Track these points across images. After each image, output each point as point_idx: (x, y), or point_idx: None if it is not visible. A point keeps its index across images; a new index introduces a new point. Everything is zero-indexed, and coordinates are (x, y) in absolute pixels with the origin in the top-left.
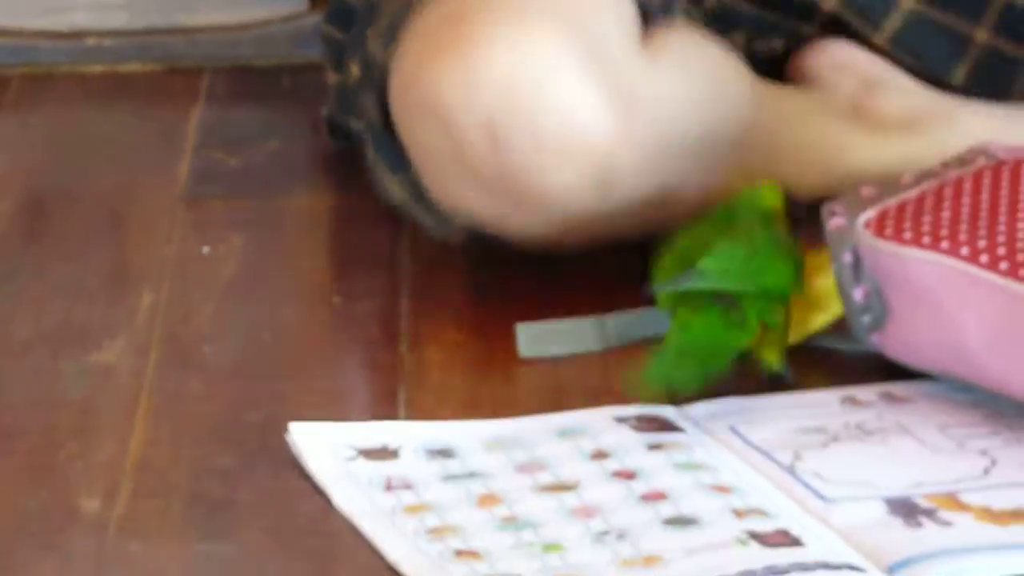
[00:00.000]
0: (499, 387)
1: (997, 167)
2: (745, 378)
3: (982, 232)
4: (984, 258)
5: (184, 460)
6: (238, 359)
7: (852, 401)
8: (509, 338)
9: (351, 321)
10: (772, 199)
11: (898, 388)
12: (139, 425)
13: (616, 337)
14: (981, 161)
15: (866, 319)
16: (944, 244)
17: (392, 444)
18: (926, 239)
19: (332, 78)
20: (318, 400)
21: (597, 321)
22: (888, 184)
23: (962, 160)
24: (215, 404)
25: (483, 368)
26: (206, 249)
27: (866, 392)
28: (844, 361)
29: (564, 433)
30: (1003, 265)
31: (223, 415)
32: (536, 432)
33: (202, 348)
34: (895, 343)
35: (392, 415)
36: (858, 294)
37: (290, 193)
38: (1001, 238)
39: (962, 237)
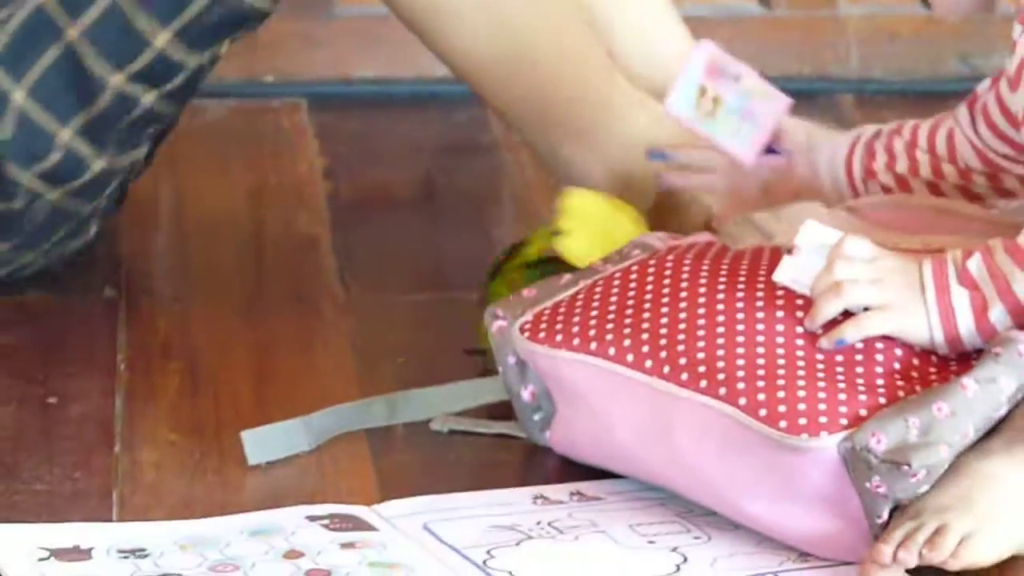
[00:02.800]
0: (214, 488)
1: (645, 261)
2: (441, 470)
3: (627, 331)
4: (630, 357)
5: None
6: None
7: (544, 499)
8: (224, 438)
9: (65, 422)
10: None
11: (588, 487)
12: None
13: (322, 433)
14: (635, 254)
15: (536, 418)
16: (592, 345)
17: (84, 544)
18: (576, 341)
19: None
20: (29, 503)
21: (303, 421)
22: (547, 284)
23: (620, 254)
24: None
25: (197, 469)
26: None
27: (557, 490)
28: (535, 458)
29: (257, 532)
30: (647, 363)
31: None
32: (229, 531)
33: None
34: (560, 440)
35: (107, 517)
36: (526, 394)
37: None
38: (645, 335)
39: (608, 337)
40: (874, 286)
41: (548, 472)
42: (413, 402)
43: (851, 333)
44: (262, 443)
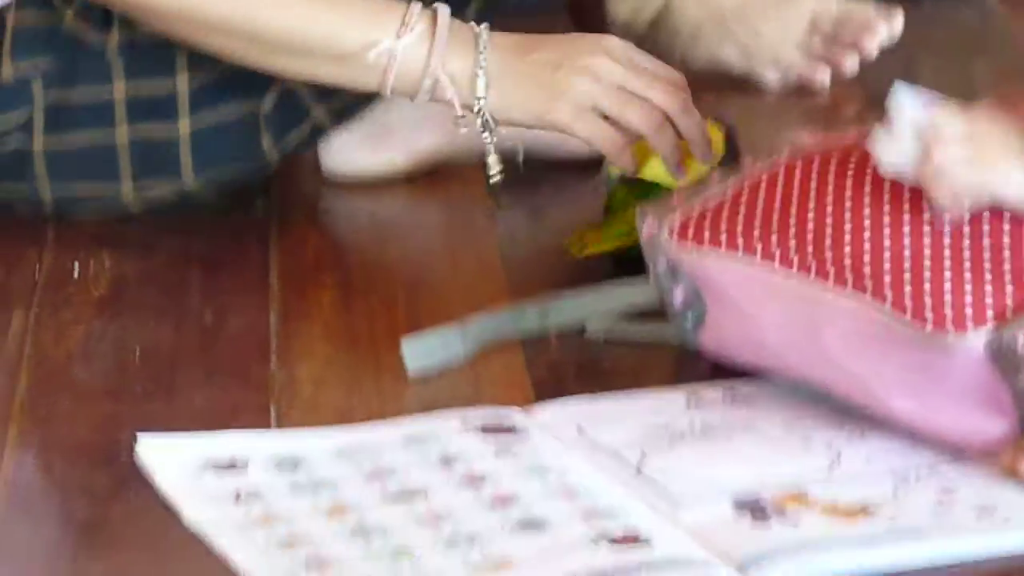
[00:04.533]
0: (371, 400)
1: (792, 160)
2: (593, 375)
3: (774, 231)
4: (777, 257)
5: (55, 481)
6: (109, 379)
7: (697, 399)
8: (378, 351)
9: (221, 339)
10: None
11: (742, 385)
12: (9, 447)
13: (478, 339)
14: (784, 155)
15: (688, 320)
16: (740, 245)
17: (240, 455)
18: (724, 242)
19: None
20: (189, 419)
21: (459, 328)
22: (696, 187)
23: (770, 156)
24: (86, 425)
25: (354, 383)
26: (75, 269)
27: (711, 390)
28: (687, 359)
29: (411, 440)
30: (794, 263)
31: (94, 436)
32: (383, 440)
33: (72, 369)
34: (711, 341)
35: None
36: (677, 295)
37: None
38: (791, 235)
39: (755, 237)
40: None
41: (701, 373)
42: (565, 307)
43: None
44: (421, 351)
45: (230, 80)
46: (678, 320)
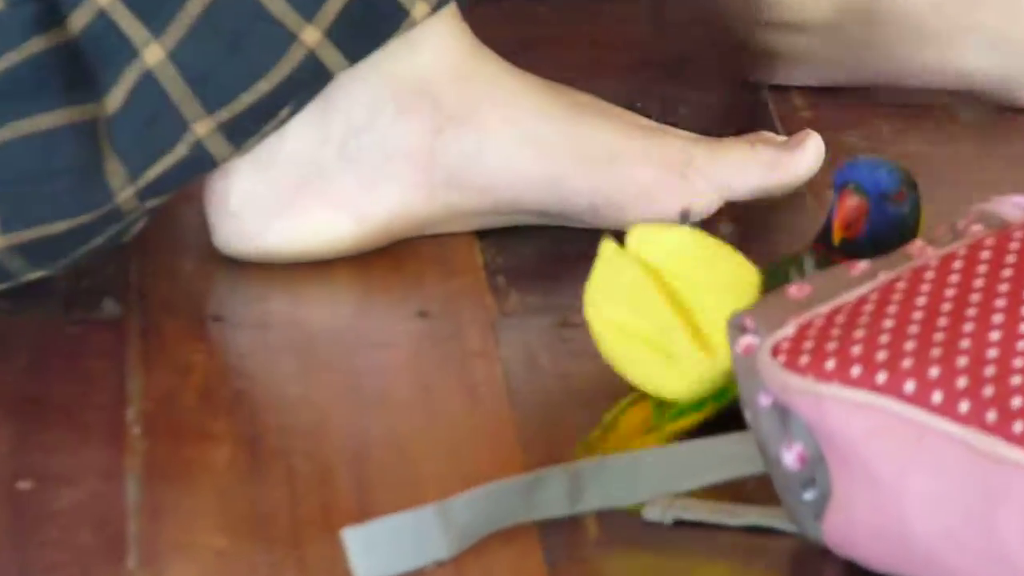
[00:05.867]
0: None
1: (978, 245)
2: None
3: (936, 356)
4: (937, 396)
5: None
6: None
7: None
8: (303, 545)
9: (46, 519)
10: None
11: None
12: None
13: (468, 529)
14: (973, 232)
15: (808, 496)
16: (880, 376)
17: None
18: (854, 370)
19: None
20: None
21: (440, 510)
22: (829, 276)
23: (953, 229)
24: None
25: None
26: None
27: None
28: (805, 561)
29: None
30: (963, 405)
31: None
32: None
33: None
34: (838, 530)
35: None
36: (790, 458)
37: None
38: (962, 361)
39: (905, 364)
40: None
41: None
42: (611, 476)
43: None
44: (375, 547)
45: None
46: (791, 496)
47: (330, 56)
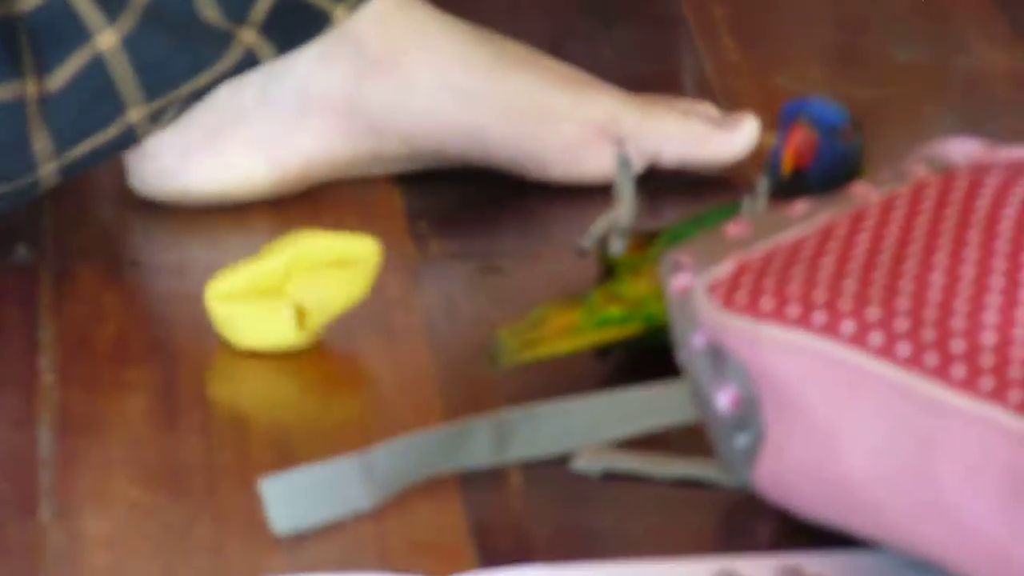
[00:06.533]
0: (203, 573)
1: (920, 186)
2: (576, 535)
3: (877, 296)
4: (876, 337)
5: None
6: None
7: None
8: (219, 495)
9: None
10: None
11: (808, 561)
12: None
13: (389, 479)
14: (914, 173)
15: (740, 441)
16: (818, 316)
17: None
18: (792, 309)
19: None
20: None
21: (361, 461)
22: (771, 217)
23: (897, 173)
24: None
25: (177, 547)
26: None
27: (757, 566)
28: (734, 511)
29: None
30: (902, 347)
31: None
32: None
33: None
34: (769, 477)
35: None
36: (723, 400)
37: None
38: (902, 303)
39: (844, 304)
40: None
41: (751, 534)
42: (536, 426)
43: None
44: (294, 497)
45: None
46: (723, 442)
47: (265, 51)
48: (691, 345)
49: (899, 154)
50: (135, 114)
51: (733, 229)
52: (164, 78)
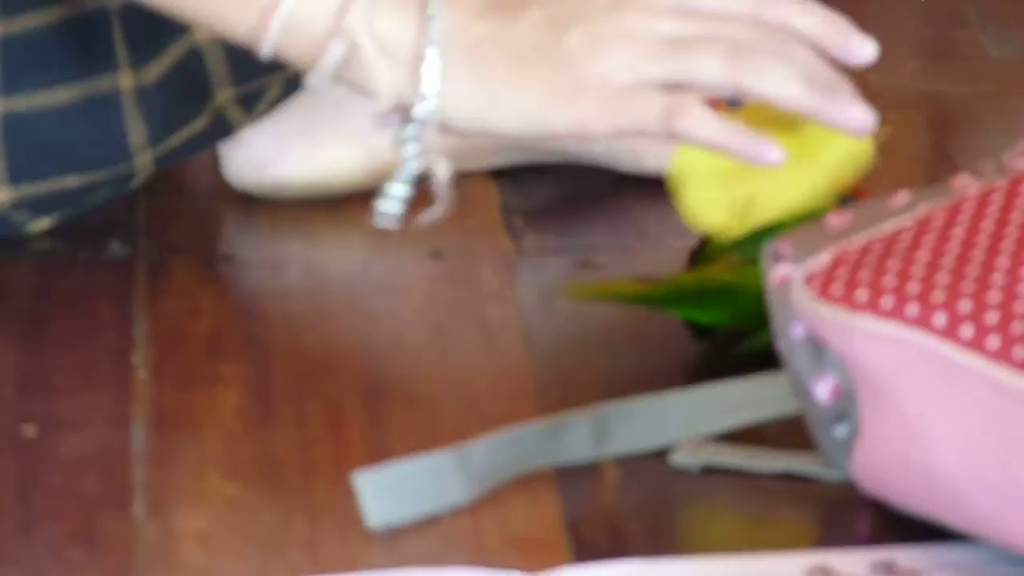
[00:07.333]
0: (298, 568)
1: (1017, 179)
2: (673, 531)
3: (968, 289)
4: (967, 330)
5: None
6: None
7: (826, 575)
8: (313, 491)
9: (51, 465)
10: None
11: (903, 555)
12: None
13: (486, 474)
14: (1020, 166)
15: (839, 432)
16: (911, 308)
17: None
18: (885, 300)
19: None
20: None
21: (458, 455)
22: (870, 207)
23: (998, 165)
24: None
25: (271, 544)
26: None
27: (850, 561)
28: (833, 505)
29: None
30: (992, 341)
31: None
32: None
33: None
34: (863, 468)
35: None
36: (822, 390)
37: None
38: (994, 296)
39: (937, 298)
40: None
41: (848, 528)
42: (634, 420)
43: None
44: (389, 492)
45: (68, 31)
46: (822, 433)
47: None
48: (790, 335)
49: (994, 151)
50: (221, 97)
51: (834, 219)
52: (254, 64)
